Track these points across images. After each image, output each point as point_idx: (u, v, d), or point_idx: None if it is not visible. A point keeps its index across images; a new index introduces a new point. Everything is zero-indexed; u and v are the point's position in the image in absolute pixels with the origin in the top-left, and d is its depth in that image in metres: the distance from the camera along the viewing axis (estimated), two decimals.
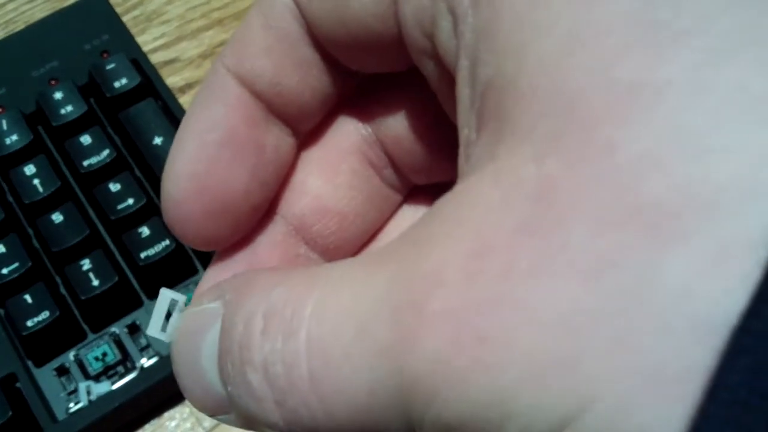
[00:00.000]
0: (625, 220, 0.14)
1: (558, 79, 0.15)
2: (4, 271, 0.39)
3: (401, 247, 0.17)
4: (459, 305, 0.15)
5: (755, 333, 0.13)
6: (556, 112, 0.14)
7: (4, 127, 0.42)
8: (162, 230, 0.39)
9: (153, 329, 0.21)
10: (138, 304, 0.39)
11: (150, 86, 0.44)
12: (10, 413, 0.36)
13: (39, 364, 0.38)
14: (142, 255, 0.39)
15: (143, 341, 0.39)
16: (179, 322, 0.20)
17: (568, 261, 0.14)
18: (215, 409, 0.19)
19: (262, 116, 0.21)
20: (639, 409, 0.14)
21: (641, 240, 0.13)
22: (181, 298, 0.21)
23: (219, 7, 0.51)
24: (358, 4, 0.18)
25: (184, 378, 0.20)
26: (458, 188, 0.16)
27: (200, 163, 0.21)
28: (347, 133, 0.23)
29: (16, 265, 0.39)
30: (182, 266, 0.40)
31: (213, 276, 0.22)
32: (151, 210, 0.40)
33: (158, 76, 0.45)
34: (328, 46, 0.20)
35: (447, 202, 0.16)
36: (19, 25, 0.50)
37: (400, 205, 0.24)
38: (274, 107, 0.21)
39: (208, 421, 0.38)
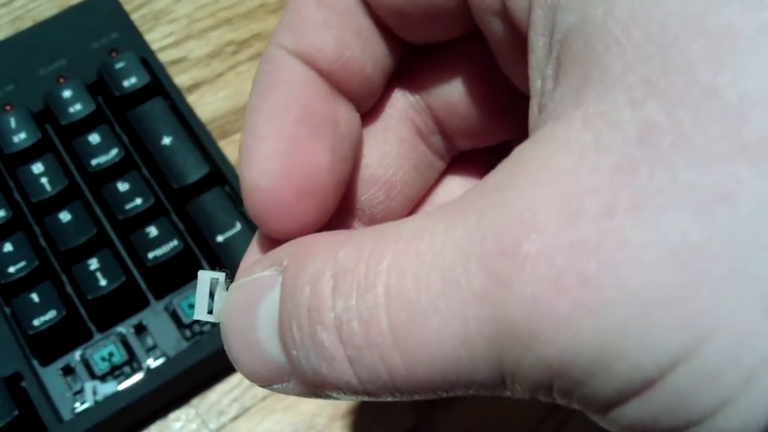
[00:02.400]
0: (734, 156, 0.14)
1: (651, 25, 0.15)
2: (11, 269, 0.38)
3: (481, 196, 0.16)
4: (557, 247, 0.15)
5: None
6: (651, 58, 0.15)
7: (12, 125, 0.42)
8: (170, 230, 0.39)
9: (199, 312, 0.21)
10: (145, 304, 0.39)
11: (159, 85, 0.44)
12: (16, 412, 0.35)
13: (45, 364, 0.38)
14: (150, 255, 0.39)
15: (150, 342, 0.39)
16: (226, 298, 0.20)
17: (677, 197, 0.14)
18: (272, 379, 0.19)
19: (330, 92, 0.21)
20: (762, 340, 0.14)
21: (752, 173, 0.14)
22: (220, 275, 0.21)
23: (227, 6, 0.51)
24: None
25: (238, 351, 0.19)
26: (539, 135, 0.16)
27: (282, 143, 0.20)
28: (395, 102, 0.23)
29: (23, 263, 0.38)
30: (190, 267, 0.40)
31: (256, 250, 0.22)
32: (159, 210, 0.40)
33: (167, 76, 0.45)
34: (386, 17, 0.20)
35: (527, 150, 0.16)
36: (27, 23, 0.50)
37: (443, 175, 0.24)
38: (339, 82, 0.21)
39: (213, 423, 0.38)
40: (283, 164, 0.20)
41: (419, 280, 0.16)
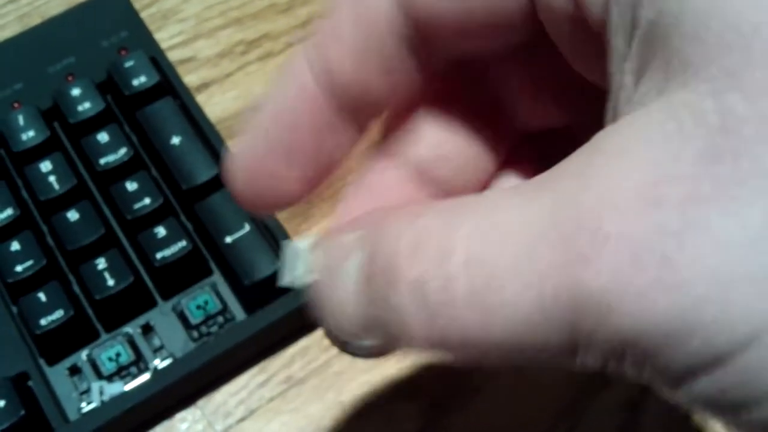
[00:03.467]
0: None
1: (731, 16, 0.15)
2: (18, 268, 0.38)
3: (560, 178, 0.17)
4: (639, 228, 0.15)
5: None
6: (732, 49, 0.15)
7: (21, 122, 0.42)
8: (178, 231, 0.39)
9: (286, 279, 0.22)
10: (152, 305, 0.39)
11: (168, 85, 0.44)
12: (23, 412, 0.35)
13: (51, 363, 0.38)
14: (158, 255, 0.38)
15: (157, 342, 0.38)
16: (312, 261, 0.21)
17: (760, 186, 0.15)
18: (353, 336, 0.20)
19: (331, 109, 0.21)
20: None
21: None
22: (303, 242, 0.21)
23: (237, 6, 0.51)
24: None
25: (323, 309, 0.21)
26: (620, 124, 0.17)
27: (265, 146, 0.22)
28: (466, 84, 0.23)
29: (30, 262, 0.38)
30: (198, 267, 0.40)
31: (338, 223, 0.22)
32: (167, 210, 0.40)
33: (176, 75, 0.45)
34: (435, 29, 0.20)
35: (608, 137, 0.17)
36: (35, 20, 0.50)
37: (505, 160, 0.24)
38: (346, 102, 0.21)
39: (219, 424, 0.38)
40: (263, 141, 0.22)
41: (497, 247, 0.17)
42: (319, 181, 0.23)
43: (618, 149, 0.16)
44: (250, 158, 0.22)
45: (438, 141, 0.23)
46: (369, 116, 0.22)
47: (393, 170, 0.23)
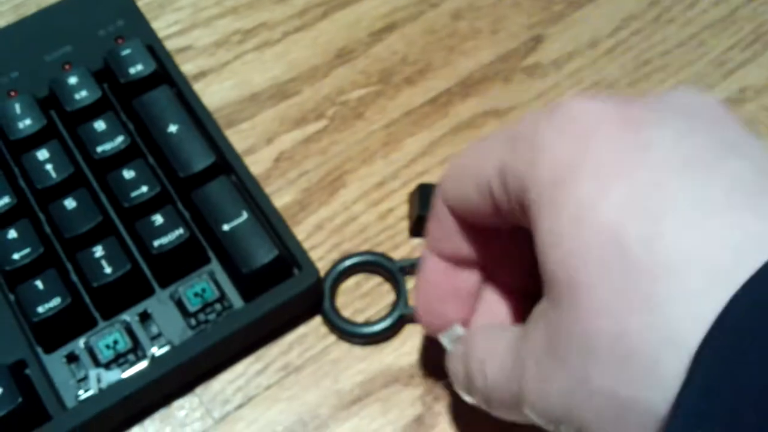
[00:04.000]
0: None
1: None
2: (16, 256, 0.38)
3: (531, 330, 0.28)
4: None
5: None
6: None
7: (17, 111, 0.42)
8: (176, 219, 0.39)
9: (443, 340, 0.35)
10: (150, 293, 0.39)
11: (165, 73, 0.44)
12: (20, 400, 0.35)
13: (49, 351, 0.38)
14: (155, 243, 0.38)
15: (154, 330, 0.38)
16: (453, 340, 0.34)
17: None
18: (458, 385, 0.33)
19: (452, 268, 0.34)
20: None
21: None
22: (459, 330, 0.34)
23: None
24: (472, 209, 0.31)
25: (449, 364, 0.34)
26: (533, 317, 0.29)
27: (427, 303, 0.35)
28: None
29: (27, 250, 0.38)
30: (195, 255, 0.39)
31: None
32: (164, 198, 0.40)
33: (173, 64, 0.45)
34: (460, 215, 0.33)
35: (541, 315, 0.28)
36: (31, 9, 0.50)
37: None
38: (453, 259, 0.34)
39: (217, 411, 0.38)
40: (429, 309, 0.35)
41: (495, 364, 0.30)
42: (471, 306, 0.35)
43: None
44: (428, 315, 0.35)
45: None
46: (469, 264, 0.34)
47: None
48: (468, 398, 0.32)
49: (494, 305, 0.34)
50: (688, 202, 0.24)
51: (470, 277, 0.34)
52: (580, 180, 0.25)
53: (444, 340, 0.35)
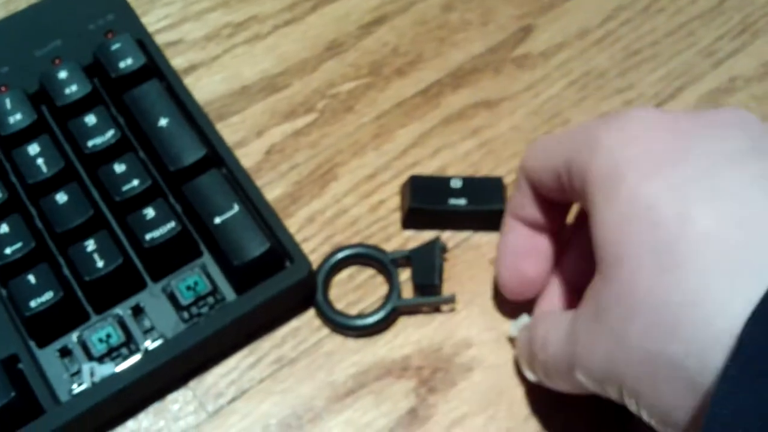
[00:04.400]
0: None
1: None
2: (7, 251, 0.38)
3: (589, 304, 0.32)
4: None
5: None
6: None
7: (8, 106, 0.42)
8: (167, 212, 0.39)
9: (511, 329, 0.39)
10: (142, 286, 0.39)
11: (155, 67, 0.44)
12: (13, 394, 0.35)
13: (42, 345, 0.38)
14: (147, 237, 0.38)
15: (147, 323, 0.38)
16: (520, 326, 0.39)
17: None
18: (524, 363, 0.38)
19: (533, 232, 0.39)
20: None
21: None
22: (526, 319, 0.39)
23: None
24: (546, 186, 0.37)
25: (517, 347, 0.38)
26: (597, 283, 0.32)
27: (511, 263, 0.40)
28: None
29: (19, 245, 0.38)
30: (187, 248, 0.40)
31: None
32: (155, 192, 0.40)
33: (163, 57, 0.45)
34: (536, 188, 0.38)
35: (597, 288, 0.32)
36: (21, 4, 0.49)
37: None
38: (537, 228, 0.39)
39: (211, 405, 0.38)
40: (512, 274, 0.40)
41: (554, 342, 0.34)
42: (546, 266, 0.39)
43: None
44: (508, 271, 0.39)
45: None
46: (544, 230, 0.39)
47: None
48: (531, 376, 0.37)
49: (555, 299, 0.39)
50: (716, 192, 0.28)
51: (546, 241, 0.39)
52: (629, 174, 0.30)
53: (512, 327, 0.39)
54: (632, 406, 0.30)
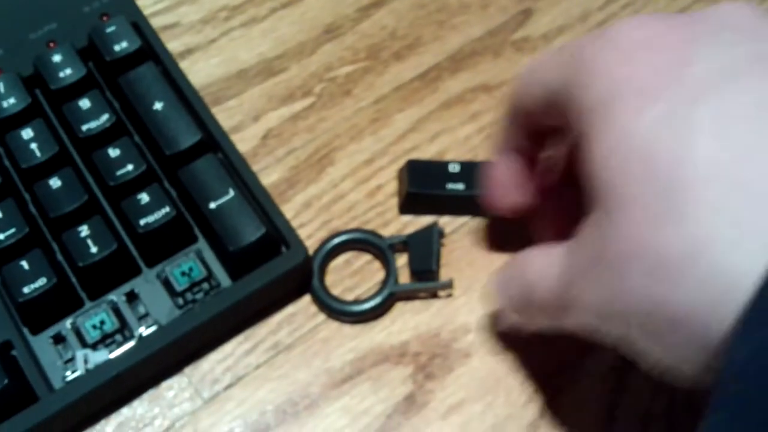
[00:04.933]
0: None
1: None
2: (0, 236, 0.38)
3: (580, 241, 0.30)
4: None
5: None
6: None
7: (1, 90, 0.41)
8: (162, 197, 0.39)
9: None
10: (137, 272, 0.39)
11: (150, 50, 0.44)
12: (6, 381, 0.35)
13: (35, 332, 0.38)
14: (142, 222, 0.38)
15: (141, 310, 0.38)
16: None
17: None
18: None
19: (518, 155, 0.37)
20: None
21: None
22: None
23: None
24: (537, 111, 0.34)
25: (501, 288, 0.36)
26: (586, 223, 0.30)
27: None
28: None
29: (12, 230, 0.38)
30: (182, 234, 0.39)
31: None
32: (150, 177, 0.40)
33: (159, 41, 0.44)
34: (527, 116, 0.35)
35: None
36: None
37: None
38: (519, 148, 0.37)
39: (206, 392, 0.38)
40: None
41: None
42: (532, 194, 0.37)
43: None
44: (497, 189, 0.38)
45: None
46: (531, 161, 0.37)
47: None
48: (513, 317, 0.36)
49: (545, 229, 0.38)
50: (719, 119, 0.26)
51: (530, 170, 0.37)
52: (623, 103, 0.28)
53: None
54: (631, 352, 0.29)
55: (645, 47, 0.29)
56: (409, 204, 0.42)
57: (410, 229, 0.41)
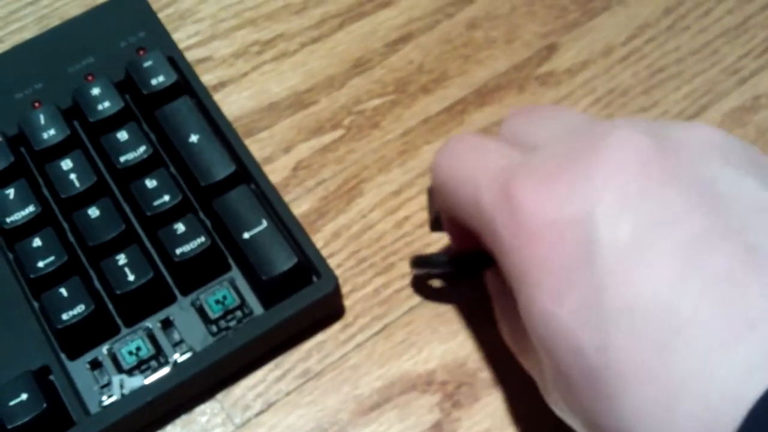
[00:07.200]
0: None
1: None
2: (40, 264, 0.39)
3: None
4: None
5: None
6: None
7: (42, 121, 0.43)
8: (197, 227, 0.40)
9: None
10: (172, 300, 0.40)
11: (186, 84, 0.45)
12: (45, 405, 0.36)
13: (72, 357, 0.39)
14: (178, 251, 0.39)
15: (176, 336, 0.39)
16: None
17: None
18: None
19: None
20: None
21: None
22: None
23: (252, 7, 0.51)
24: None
25: None
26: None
27: None
28: None
29: (51, 258, 0.39)
30: (216, 263, 0.40)
31: None
32: (186, 207, 0.41)
33: (194, 74, 0.45)
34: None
35: None
36: (54, 21, 0.51)
37: None
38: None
39: (239, 417, 0.39)
40: None
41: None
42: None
43: None
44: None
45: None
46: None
47: None
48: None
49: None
50: (639, 309, 0.25)
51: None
52: (539, 288, 0.28)
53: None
54: None
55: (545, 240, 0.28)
56: (440, 223, 0.42)
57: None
